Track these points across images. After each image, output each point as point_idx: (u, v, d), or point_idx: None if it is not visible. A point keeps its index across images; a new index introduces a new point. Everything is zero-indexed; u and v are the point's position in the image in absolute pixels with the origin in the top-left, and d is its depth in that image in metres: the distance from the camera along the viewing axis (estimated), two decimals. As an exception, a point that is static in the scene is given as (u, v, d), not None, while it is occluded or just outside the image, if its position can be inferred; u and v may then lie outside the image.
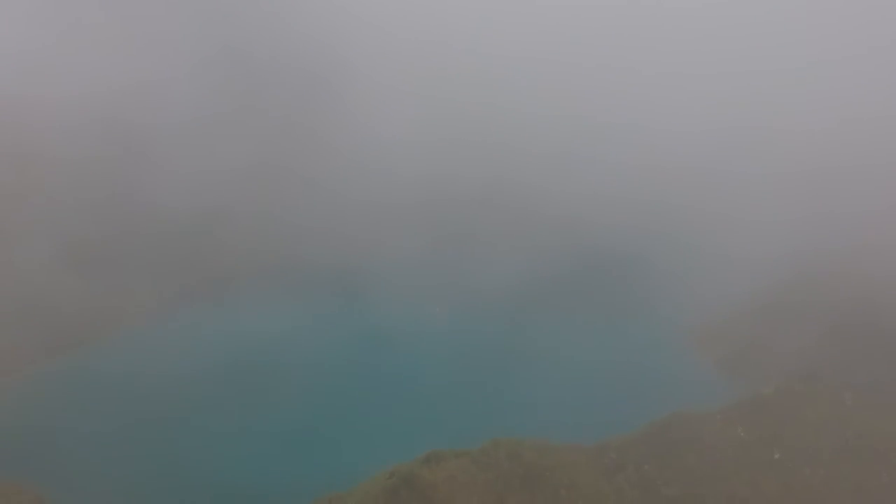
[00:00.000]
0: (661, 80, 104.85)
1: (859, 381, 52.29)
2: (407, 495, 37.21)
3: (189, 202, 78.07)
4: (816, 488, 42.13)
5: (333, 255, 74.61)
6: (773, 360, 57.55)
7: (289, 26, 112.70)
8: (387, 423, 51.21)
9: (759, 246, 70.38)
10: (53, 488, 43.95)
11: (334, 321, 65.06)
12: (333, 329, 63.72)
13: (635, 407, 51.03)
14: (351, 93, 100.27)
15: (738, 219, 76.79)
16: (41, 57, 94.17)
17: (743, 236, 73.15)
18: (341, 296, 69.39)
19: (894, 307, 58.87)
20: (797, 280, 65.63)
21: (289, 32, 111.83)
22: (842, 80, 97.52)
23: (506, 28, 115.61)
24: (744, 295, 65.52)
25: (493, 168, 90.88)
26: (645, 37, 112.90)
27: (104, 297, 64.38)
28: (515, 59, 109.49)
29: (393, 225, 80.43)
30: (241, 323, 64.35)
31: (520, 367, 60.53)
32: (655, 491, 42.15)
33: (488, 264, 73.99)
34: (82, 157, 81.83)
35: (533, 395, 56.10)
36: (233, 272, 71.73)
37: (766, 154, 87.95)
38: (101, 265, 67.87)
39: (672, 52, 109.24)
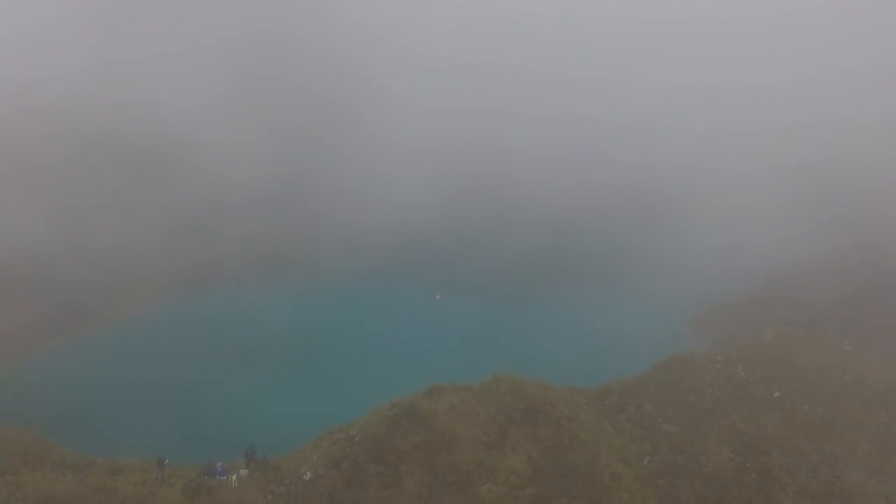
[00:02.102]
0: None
1: (858, 332, 52.76)
2: (408, 424, 37.12)
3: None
4: (816, 424, 42.30)
5: (345, 247, 76.53)
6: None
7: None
8: (390, 370, 52.60)
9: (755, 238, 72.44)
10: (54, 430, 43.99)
11: (343, 300, 66.85)
12: (341, 306, 65.76)
13: (634, 360, 51.39)
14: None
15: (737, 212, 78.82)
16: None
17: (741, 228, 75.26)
18: (352, 281, 70.60)
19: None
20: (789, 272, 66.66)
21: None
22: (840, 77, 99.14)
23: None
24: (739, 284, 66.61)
25: (502, 165, 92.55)
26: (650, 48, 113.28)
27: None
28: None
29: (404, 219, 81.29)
30: (253, 300, 65.92)
31: (523, 329, 62.44)
32: (657, 428, 42.17)
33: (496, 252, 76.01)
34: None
35: (534, 350, 56.86)
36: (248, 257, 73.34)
37: (765, 148, 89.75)
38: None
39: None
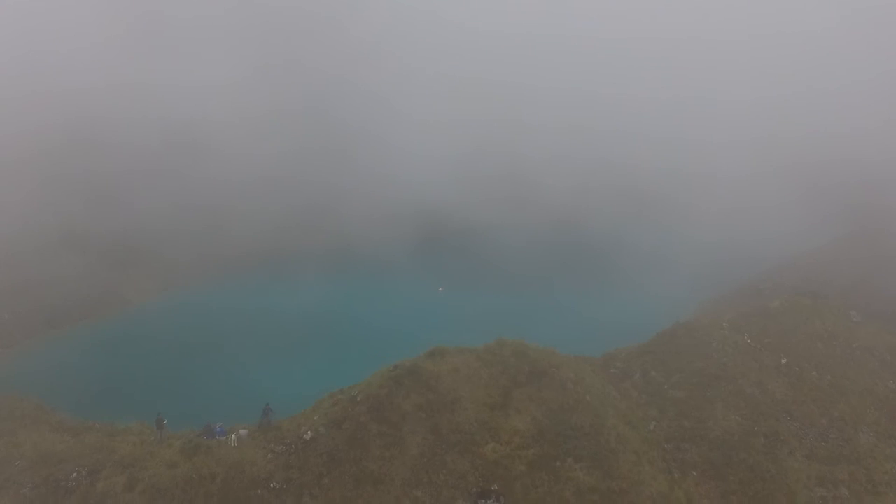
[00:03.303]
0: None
1: (864, 304, 52.10)
2: (410, 384, 36.52)
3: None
4: (825, 390, 41.63)
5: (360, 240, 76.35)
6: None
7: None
8: (395, 344, 51.30)
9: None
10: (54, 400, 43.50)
11: (346, 289, 67.14)
12: (347, 293, 66.02)
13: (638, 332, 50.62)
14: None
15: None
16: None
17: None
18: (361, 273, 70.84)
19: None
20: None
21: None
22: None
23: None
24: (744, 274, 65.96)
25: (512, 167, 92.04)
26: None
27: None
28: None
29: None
30: (262, 287, 66.49)
31: (527, 315, 61.44)
32: (663, 394, 41.62)
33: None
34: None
35: (538, 329, 55.73)
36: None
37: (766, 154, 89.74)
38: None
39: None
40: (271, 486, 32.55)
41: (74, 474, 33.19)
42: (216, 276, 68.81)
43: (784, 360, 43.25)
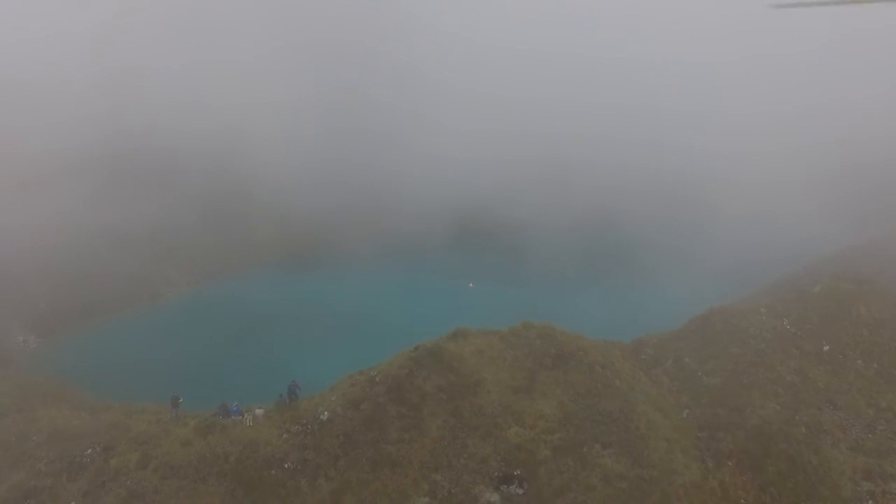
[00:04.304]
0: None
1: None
2: (431, 366, 35.23)
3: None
4: (871, 379, 39.17)
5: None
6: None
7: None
8: (420, 324, 49.90)
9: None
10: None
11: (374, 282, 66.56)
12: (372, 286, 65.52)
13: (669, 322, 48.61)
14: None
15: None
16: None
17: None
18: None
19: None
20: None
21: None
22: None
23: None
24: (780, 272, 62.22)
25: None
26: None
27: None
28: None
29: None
30: (290, 279, 66.66)
31: (554, 301, 60.58)
32: (696, 381, 39.63)
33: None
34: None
35: (565, 312, 54.02)
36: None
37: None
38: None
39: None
40: (286, 466, 31.63)
41: (89, 451, 32.72)
42: (246, 268, 69.28)
43: (826, 348, 40.86)
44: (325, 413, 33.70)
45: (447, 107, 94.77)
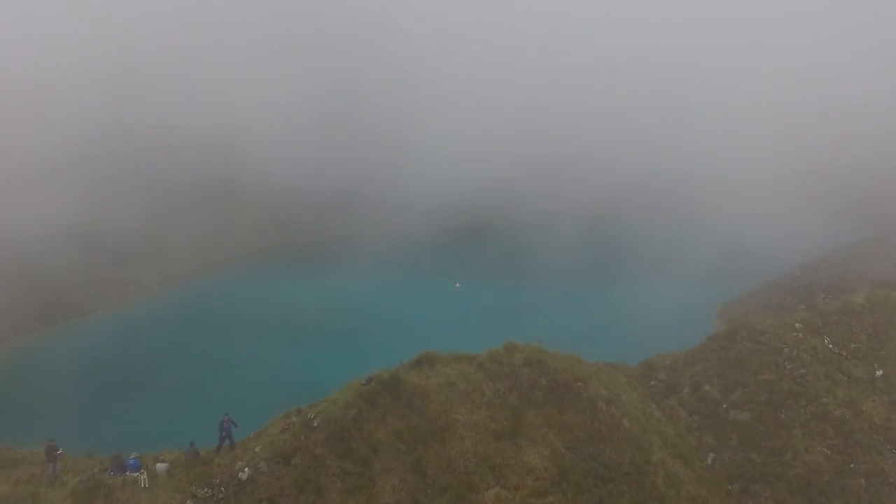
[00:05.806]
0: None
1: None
2: (387, 403, 27.07)
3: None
4: (938, 411, 31.74)
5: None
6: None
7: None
8: (390, 343, 44.17)
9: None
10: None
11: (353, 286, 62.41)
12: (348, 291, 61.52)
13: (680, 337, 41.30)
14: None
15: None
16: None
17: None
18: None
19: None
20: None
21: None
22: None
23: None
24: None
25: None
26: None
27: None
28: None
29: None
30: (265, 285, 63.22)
31: (547, 305, 56.73)
32: (721, 415, 31.91)
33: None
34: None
35: (557, 327, 46.57)
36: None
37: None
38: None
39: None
40: (184, 548, 23.42)
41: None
42: (224, 270, 66.57)
43: (879, 372, 33.40)
44: (245, 470, 25.41)
45: (444, 108, 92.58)
